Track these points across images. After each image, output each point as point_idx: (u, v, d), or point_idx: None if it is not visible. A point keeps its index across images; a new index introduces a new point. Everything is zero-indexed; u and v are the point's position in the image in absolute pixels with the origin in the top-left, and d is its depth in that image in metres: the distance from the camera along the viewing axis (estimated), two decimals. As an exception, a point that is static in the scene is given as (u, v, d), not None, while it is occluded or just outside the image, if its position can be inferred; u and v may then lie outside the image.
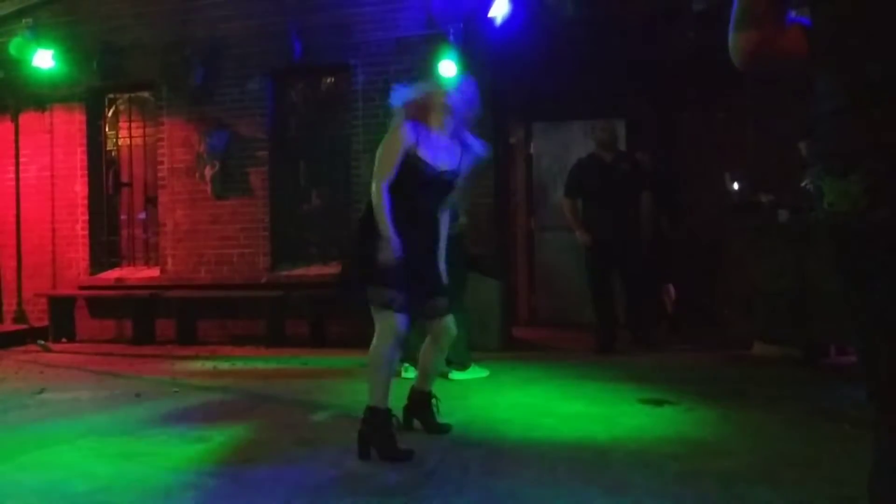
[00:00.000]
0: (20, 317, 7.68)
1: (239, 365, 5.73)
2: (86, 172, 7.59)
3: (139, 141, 7.74)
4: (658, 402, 3.96)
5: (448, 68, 6.29)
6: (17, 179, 7.73)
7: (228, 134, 7.10)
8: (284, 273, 7.02)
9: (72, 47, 7.30)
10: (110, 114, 7.83)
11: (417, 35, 6.60)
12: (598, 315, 5.95)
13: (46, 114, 7.64)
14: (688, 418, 3.65)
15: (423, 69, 6.47)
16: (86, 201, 7.58)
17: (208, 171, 7.10)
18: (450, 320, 3.32)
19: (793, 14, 1.22)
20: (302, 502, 2.56)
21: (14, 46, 7.11)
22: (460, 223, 4.66)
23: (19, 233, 7.71)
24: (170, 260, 7.31)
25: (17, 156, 7.73)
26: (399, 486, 2.70)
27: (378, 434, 3.03)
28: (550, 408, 3.94)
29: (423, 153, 3.15)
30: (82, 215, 7.58)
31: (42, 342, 7.15)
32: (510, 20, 6.15)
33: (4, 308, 7.83)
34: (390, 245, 3.00)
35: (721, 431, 3.41)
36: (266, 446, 3.29)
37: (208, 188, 7.14)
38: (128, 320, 7.29)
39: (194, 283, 7.17)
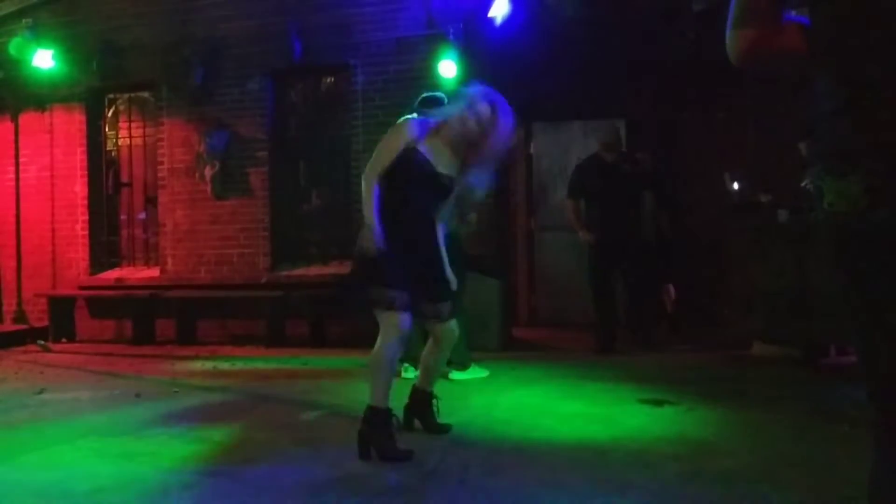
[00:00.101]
0: (20, 317, 7.68)
1: (239, 365, 5.73)
2: (86, 172, 7.59)
3: (139, 141, 7.74)
4: (658, 402, 3.96)
5: (448, 68, 6.30)
6: (17, 179, 7.73)
7: (228, 134, 7.10)
8: (284, 273, 7.02)
9: (72, 47, 7.30)
10: (110, 114, 7.83)
11: (417, 35, 6.60)
12: (599, 315, 5.95)
13: (46, 114, 7.64)
14: (688, 418, 3.64)
15: (422, 69, 6.49)
16: (86, 201, 7.58)
17: (208, 171, 7.11)
18: (452, 323, 3.33)
19: (792, 13, 1.22)
20: (301, 502, 2.56)
21: (14, 46, 7.11)
22: (471, 219, 4.65)
23: (19, 233, 7.71)
24: (170, 260, 7.31)
25: (16, 156, 7.73)
26: (399, 486, 2.70)
27: (378, 434, 3.03)
28: (550, 408, 3.94)
29: (424, 150, 3.17)
30: (82, 215, 7.58)
31: (42, 342, 7.15)
32: (510, 20, 6.16)
33: (4, 308, 7.83)
34: (373, 234, 3.03)
35: (721, 431, 3.41)
36: (266, 446, 3.29)
37: (208, 188, 7.14)
38: (128, 320, 7.29)
39: (194, 283, 7.17)
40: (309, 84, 7.38)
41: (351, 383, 4.59)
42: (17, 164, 7.72)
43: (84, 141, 7.59)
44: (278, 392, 4.57)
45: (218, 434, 3.48)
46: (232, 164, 7.12)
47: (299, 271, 6.98)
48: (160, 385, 4.90)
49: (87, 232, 7.57)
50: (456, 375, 4.77)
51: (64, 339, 7.36)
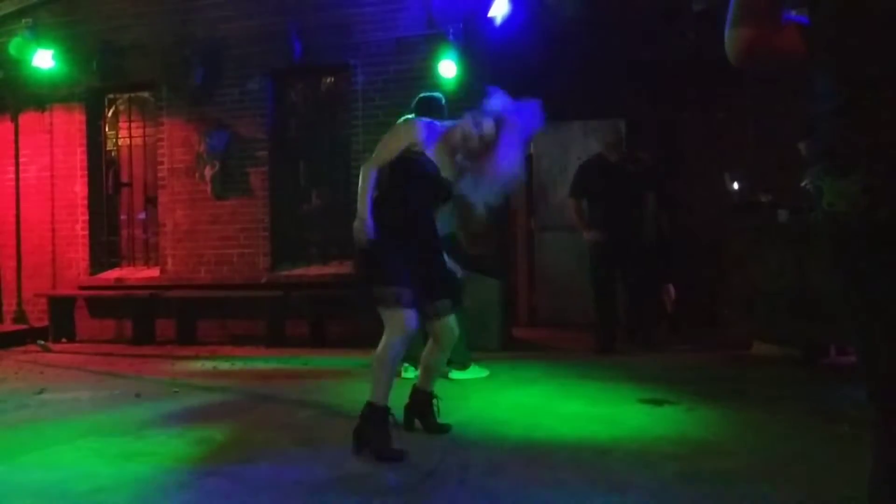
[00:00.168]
0: (20, 317, 7.69)
1: (239, 365, 5.73)
2: (86, 172, 7.59)
3: (139, 141, 7.74)
4: (658, 402, 3.96)
5: (448, 68, 6.30)
6: (17, 179, 7.74)
7: (228, 134, 7.10)
8: (284, 273, 7.02)
9: (72, 47, 7.31)
10: (110, 114, 7.83)
11: (417, 35, 6.60)
12: (600, 315, 5.95)
13: (46, 114, 7.64)
14: (688, 418, 3.64)
15: (422, 69, 6.49)
16: (86, 201, 7.58)
17: (208, 172, 7.11)
18: (452, 320, 3.33)
19: (791, 13, 1.22)
20: (301, 502, 2.56)
21: (14, 46, 7.11)
22: (478, 217, 4.64)
23: (19, 233, 7.72)
24: (170, 260, 7.31)
25: (16, 156, 7.73)
26: (399, 486, 2.70)
27: (374, 431, 3.04)
28: (550, 408, 3.94)
29: (430, 153, 3.21)
30: (82, 215, 7.59)
31: (42, 342, 7.15)
32: (510, 20, 6.16)
33: (4, 308, 7.83)
34: (363, 226, 3.06)
35: (721, 431, 3.41)
36: (266, 446, 3.29)
37: (208, 188, 7.14)
38: (128, 320, 7.29)
39: (194, 283, 7.18)
40: (309, 84, 7.38)
41: (351, 383, 4.59)
42: (17, 164, 7.73)
43: (84, 141, 7.60)
44: (278, 392, 4.57)
45: (218, 434, 3.48)
46: (232, 164, 7.12)
47: (299, 271, 6.98)
48: (160, 385, 4.90)
49: (87, 232, 7.57)
50: (456, 375, 4.77)
51: (64, 339, 7.37)
